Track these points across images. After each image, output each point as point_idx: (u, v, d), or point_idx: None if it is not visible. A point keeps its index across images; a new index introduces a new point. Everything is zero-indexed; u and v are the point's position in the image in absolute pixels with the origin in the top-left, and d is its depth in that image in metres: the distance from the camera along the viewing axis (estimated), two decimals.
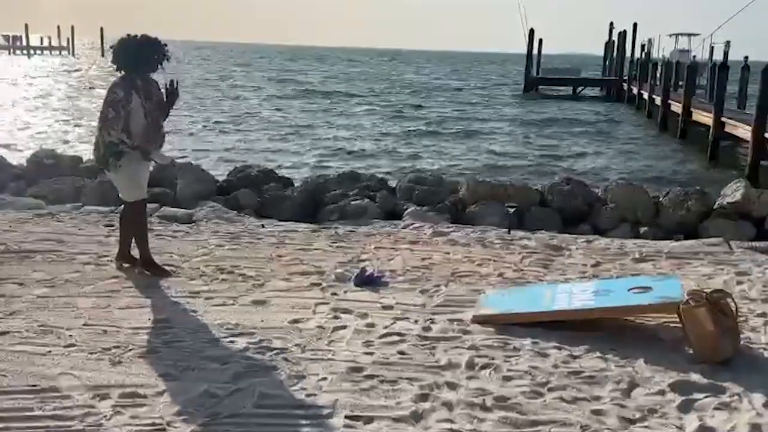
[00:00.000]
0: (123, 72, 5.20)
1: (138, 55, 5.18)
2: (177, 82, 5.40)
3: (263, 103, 32.09)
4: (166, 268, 5.50)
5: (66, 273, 5.37)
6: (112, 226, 6.94)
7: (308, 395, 3.54)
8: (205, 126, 23.01)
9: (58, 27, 78.51)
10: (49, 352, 3.96)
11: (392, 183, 9.35)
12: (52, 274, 5.33)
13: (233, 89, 40.37)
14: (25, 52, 70.88)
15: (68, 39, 77.04)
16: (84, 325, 4.36)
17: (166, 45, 5.28)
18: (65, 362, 3.83)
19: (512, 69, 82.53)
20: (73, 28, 77.58)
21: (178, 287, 5.15)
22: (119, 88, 5.10)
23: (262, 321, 4.51)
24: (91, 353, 3.95)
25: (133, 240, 5.56)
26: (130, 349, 4.01)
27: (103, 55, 78.75)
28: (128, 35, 5.25)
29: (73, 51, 76.85)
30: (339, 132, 22.84)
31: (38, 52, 75.49)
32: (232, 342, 4.16)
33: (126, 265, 5.54)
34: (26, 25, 71.52)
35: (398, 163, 17.08)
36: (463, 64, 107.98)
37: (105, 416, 3.29)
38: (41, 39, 78.88)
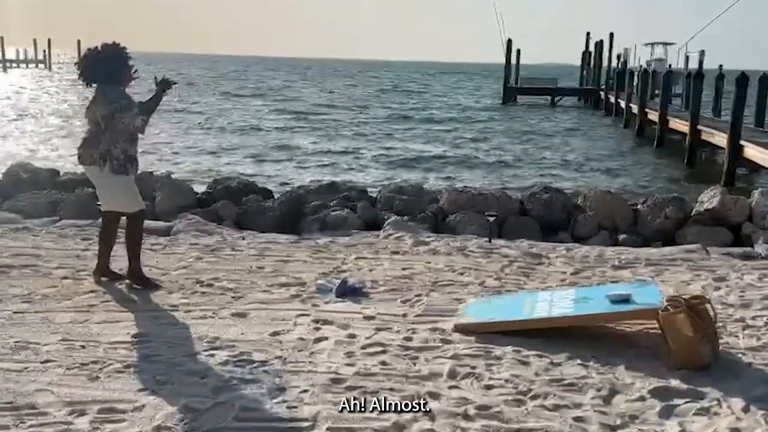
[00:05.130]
0: (93, 85, 5.22)
1: (114, 67, 5.20)
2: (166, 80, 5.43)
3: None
4: (155, 281, 5.48)
5: (43, 288, 5.31)
6: (90, 240, 6.87)
7: (289, 408, 3.51)
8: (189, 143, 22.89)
9: (35, 40, 77.80)
10: (26, 368, 3.89)
11: (372, 193, 9.35)
12: (29, 289, 5.26)
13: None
14: (0, 65, 70.15)
15: (44, 52, 76.36)
16: (61, 340, 4.30)
17: (129, 55, 5.30)
18: (42, 378, 3.77)
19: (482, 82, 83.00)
20: (49, 41, 76.89)
21: (156, 300, 5.10)
22: (122, 97, 5.14)
23: (242, 334, 4.48)
24: (69, 369, 3.89)
25: (110, 252, 5.51)
26: (109, 364, 3.96)
27: None
28: (96, 47, 5.26)
29: (49, 64, 76.15)
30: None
31: (14, 65, 74.70)
32: (211, 355, 4.13)
33: (104, 278, 5.48)
34: (2, 39, 70.82)
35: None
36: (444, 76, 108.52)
37: None
38: (17, 52, 78.09)
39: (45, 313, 4.77)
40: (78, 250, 6.46)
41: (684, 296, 4.37)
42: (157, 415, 3.40)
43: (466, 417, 3.44)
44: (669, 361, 4.05)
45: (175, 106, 30.85)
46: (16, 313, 4.77)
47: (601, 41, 44.71)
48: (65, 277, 5.60)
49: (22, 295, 5.14)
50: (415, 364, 4.04)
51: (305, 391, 3.68)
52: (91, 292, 5.26)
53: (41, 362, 3.98)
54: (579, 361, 4.08)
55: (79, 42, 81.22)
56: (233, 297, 5.22)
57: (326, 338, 4.42)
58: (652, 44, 47.01)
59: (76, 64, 5.27)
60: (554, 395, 3.68)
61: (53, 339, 4.31)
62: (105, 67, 5.18)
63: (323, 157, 19.57)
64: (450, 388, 3.75)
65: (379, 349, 4.25)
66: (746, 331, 4.64)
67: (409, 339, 4.42)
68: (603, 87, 40.91)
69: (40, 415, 3.39)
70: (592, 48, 46.06)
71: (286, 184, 13.75)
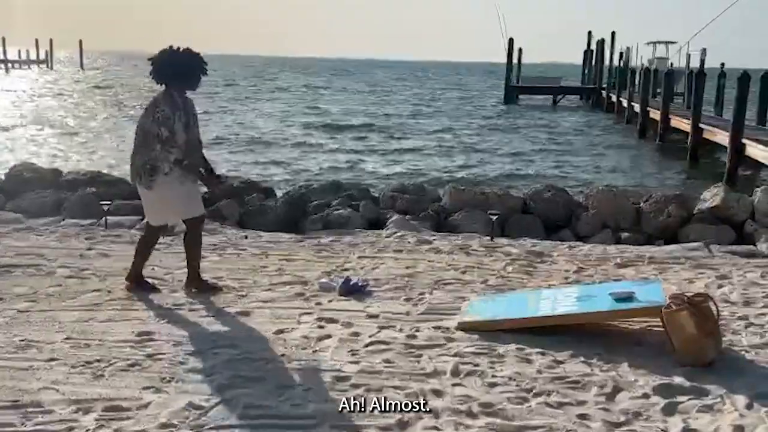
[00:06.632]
0: (163, 86, 4.94)
1: (184, 70, 4.94)
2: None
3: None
4: (154, 285, 5.39)
5: (47, 287, 5.32)
6: (94, 239, 6.89)
7: (294, 405, 3.52)
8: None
9: (36, 40, 77.93)
10: (31, 366, 3.91)
11: (375, 192, 9.36)
12: (33, 288, 5.27)
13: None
14: (2, 66, 70.24)
15: (47, 52, 76.47)
16: (66, 339, 4.31)
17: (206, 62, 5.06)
18: (47, 376, 3.79)
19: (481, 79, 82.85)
20: (51, 41, 77.02)
21: (161, 299, 5.11)
22: (165, 104, 4.86)
23: (247, 332, 4.49)
24: (74, 367, 3.91)
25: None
26: (113, 363, 3.97)
27: (82, 68, 78.39)
28: (171, 47, 4.97)
29: (51, 65, 76.25)
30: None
31: (16, 65, 74.81)
32: (216, 354, 4.13)
33: (195, 290, 5.25)
34: (3, 39, 70.86)
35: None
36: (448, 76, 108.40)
37: (88, 430, 3.26)
38: (19, 52, 78.20)
39: (49, 312, 4.78)
40: (82, 249, 6.47)
41: (687, 294, 4.38)
42: (162, 412, 3.41)
43: (470, 414, 3.45)
44: (672, 359, 4.05)
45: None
46: (20, 312, 4.78)
47: (603, 40, 44.65)
48: (69, 277, 5.61)
49: (26, 294, 5.16)
50: (418, 362, 4.05)
51: (309, 388, 3.69)
52: (96, 291, 5.26)
53: (46, 360, 3.99)
54: (582, 359, 4.08)
55: (81, 42, 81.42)
56: (237, 295, 5.23)
57: (330, 336, 4.43)
58: (654, 43, 46.94)
59: (150, 60, 4.95)
60: (558, 393, 3.68)
61: (58, 338, 4.32)
62: (184, 71, 4.94)
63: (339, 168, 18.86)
64: (454, 385, 3.76)
65: (383, 347, 4.26)
66: (749, 329, 4.64)
67: (412, 337, 4.43)
68: (605, 86, 40.86)
69: (46, 413, 3.40)
70: (593, 47, 46.02)
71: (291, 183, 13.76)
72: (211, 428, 3.29)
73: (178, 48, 4.98)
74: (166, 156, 4.88)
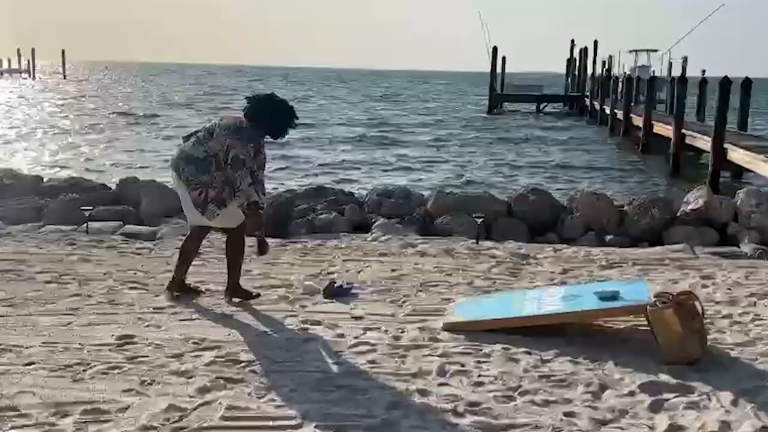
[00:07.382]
0: (254, 126, 4.95)
1: (280, 122, 5.04)
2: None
3: None
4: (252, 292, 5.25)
5: (26, 292, 5.22)
6: (75, 244, 6.80)
7: (277, 407, 3.46)
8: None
9: (18, 50, 77.54)
10: (8, 370, 3.82)
11: (360, 197, 9.32)
12: (12, 293, 5.18)
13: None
14: None
15: (29, 62, 75.96)
16: (44, 342, 4.22)
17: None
18: (24, 380, 3.70)
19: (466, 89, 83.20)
20: (33, 51, 76.53)
21: (142, 303, 5.04)
22: (264, 150, 4.98)
23: (229, 335, 4.42)
24: (52, 371, 3.82)
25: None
26: (93, 366, 3.89)
27: (65, 78, 77.92)
28: (275, 95, 5.09)
29: (33, 74, 75.72)
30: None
31: None
32: (197, 356, 4.07)
33: (177, 293, 5.19)
34: None
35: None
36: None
37: None
38: (0, 62, 77.64)
39: (28, 317, 4.69)
40: (62, 255, 6.38)
41: (672, 292, 4.37)
42: (142, 415, 3.33)
43: (456, 413, 3.41)
44: (658, 357, 4.04)
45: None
46: None
47: (585, 48, 45.00)
48: (49, 282, 5.52)
49: (4, 299, 5.06)
50: (404, 363, 4.01)
51: (293, 390, 3.63)
52: (75, 295, 5.18)
53: (24, 365, 3.90)
54: (568, 358, 4.06)
55: (63, 52, 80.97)
56: (220, 299, 5.16)
57: (315, 338, 4.38)
58: (636, 51, 47.35)
59: (249, 100, 5.02)
60: (544, 391, 3.65)
61: (36, 342, 4.23)
62: (279, 123, 5.04)
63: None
64: (440, 385, 3.72)
65: (368, 348, 4.21)
66: (734, 327, 4.65)
67: (397, 338, 4.39)
68: (588, 93, 41.13)
69: (22, 416, 3.32)
70: (576, 55, 46.36)
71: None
72: (192, 430, 3.23)
73: (280, 99, 5.08)
74: (232, 184, 4.93)
